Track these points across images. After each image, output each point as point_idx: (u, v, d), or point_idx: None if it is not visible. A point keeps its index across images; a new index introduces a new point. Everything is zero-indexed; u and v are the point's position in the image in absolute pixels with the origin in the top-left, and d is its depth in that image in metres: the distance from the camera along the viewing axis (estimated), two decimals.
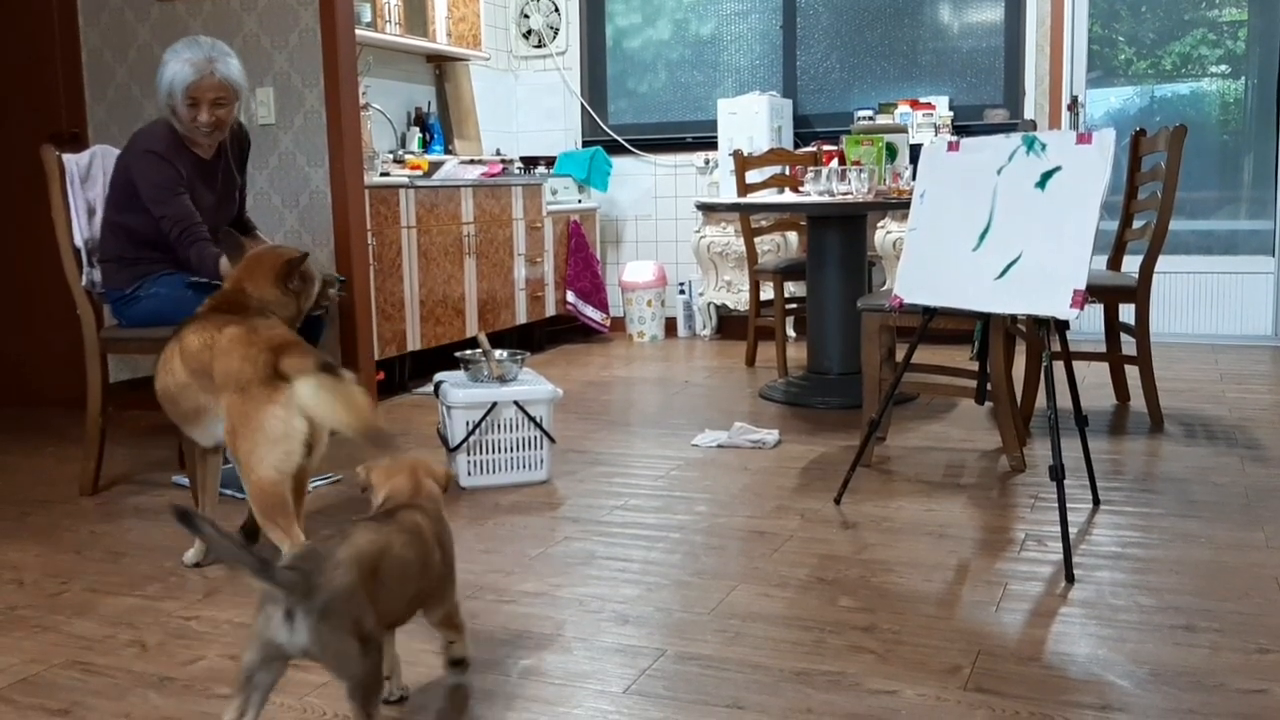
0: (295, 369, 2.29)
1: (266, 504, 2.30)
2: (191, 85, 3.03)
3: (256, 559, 1.53)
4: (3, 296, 4.68)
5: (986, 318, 3.18)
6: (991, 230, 2.69)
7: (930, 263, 2.80)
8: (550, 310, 5.96)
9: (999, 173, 2.69)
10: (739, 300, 5.96)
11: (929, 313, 2.88)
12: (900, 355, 3.51)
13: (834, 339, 4.37)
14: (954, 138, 2.90)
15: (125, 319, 3.23)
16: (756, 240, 5.44)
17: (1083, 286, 2.46)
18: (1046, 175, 2.59)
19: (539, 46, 6.67)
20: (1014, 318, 3.39)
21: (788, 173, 5.23)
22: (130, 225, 3.13)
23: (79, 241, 3.23)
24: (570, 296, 6.07)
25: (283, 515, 2.30)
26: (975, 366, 3.25)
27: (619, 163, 6.49)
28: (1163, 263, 3.92)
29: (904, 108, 5.78)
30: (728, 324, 6.26)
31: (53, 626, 2.28)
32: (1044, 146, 2.62)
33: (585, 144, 6.60)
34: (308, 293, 2.71)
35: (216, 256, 3.03)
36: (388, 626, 1.74)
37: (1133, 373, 4.05)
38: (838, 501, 2.98)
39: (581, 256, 6.11)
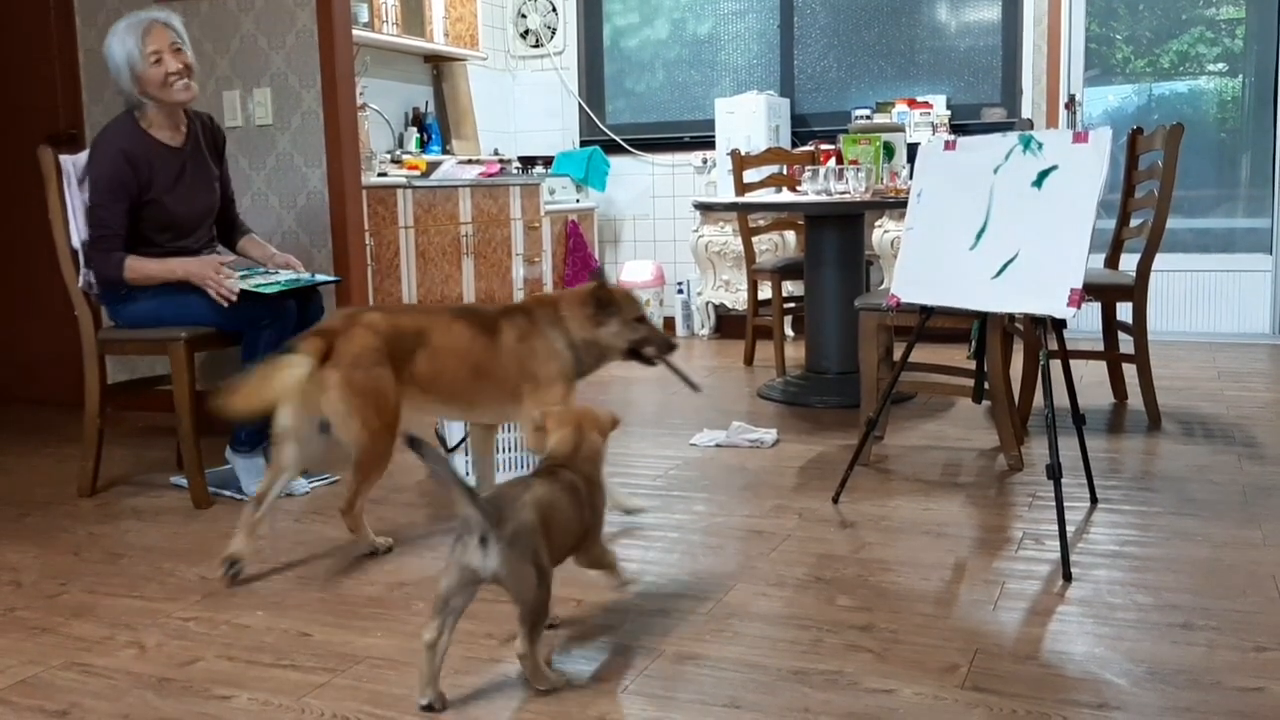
0: None
1: None
2: (145, 39, 3.10)
3: (468, 488, 1.80)
4: (1, 297, 4.68)
5: (984, 317, 3.18)
6: (988, 229, 2.69)
7: (928, 262, 2.80)
8: None
9: (996, 172, 2.69)
10: (737, 299, 5.96)
11: (926, 312, 2.89)
12: (898, 354, 3.51)
13: (832, 338, 4.37)
14: (951, 137, 2.90)
15: (122, 319, 3.23)
16: (754, 239, 5.44)
17: (1079, 285, 2.47)
18: (1043, 174, 2.59)
19: (536, 46, 6.67)
20: (1011, 316, 3.39)
21: (785, 172, 5.23)
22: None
23: (76, 242, 3.22)
24: None
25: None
26: (972, 365, 3.25)
27: (617, 162, 6.49)
28: (1160, 261, 3.92)
29: (901, 107, 5.78)
30: (726, 323, 6.26)
31: (51, 628, 2.28)
32: (1040, 145, 2.62)
33: (583, 144, 6.60)
34: (608, 325, 2.69)
35: (121, 260, 3.10)
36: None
37: (1130, 371, 4.05)
38: (836, 500, 2.98)
39: (580, 256, 6.11)
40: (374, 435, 2.55)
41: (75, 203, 3.24)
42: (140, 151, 3.15)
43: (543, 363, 2.65)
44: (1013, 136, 2.69)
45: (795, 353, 5.36)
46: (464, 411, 2.76)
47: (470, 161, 5.55)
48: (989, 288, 2.66)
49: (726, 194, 5.75)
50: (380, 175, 4.77)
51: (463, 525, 1.81)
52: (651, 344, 2.74)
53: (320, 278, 3.29)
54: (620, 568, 2.25)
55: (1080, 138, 2.54)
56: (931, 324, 2.96)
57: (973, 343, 3.27)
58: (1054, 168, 2.58)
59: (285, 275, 3.24)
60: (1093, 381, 4.49)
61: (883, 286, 5.33)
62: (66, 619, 2.33)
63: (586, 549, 2.10)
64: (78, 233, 3.23)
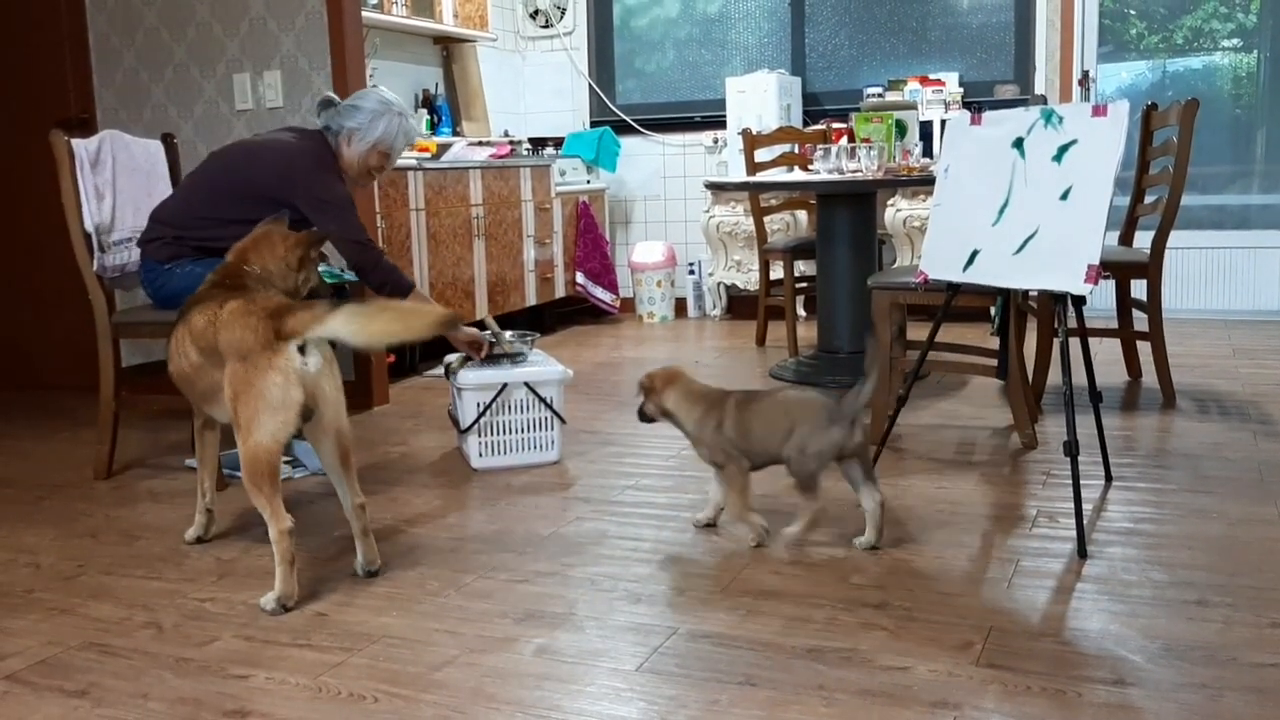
0: (303, 324, 2.23)
1: (257, 470, 2.23)
2: (393, 150, 3.24)
3: (875, 385, 2.45)
4: (15, 281, 4.70)
5: (1006, 293, 3.16)
6: (1010, 204, 2.68)
7: (954, 238, 2.79)
8: (560, 292, 5.96)
9: (1018, 146, 2.68)
10: (749, 280, 5.94)
11: (953, 289, 2.88)
12: (911, 334, 3.50)
13: (844, 318, 4.36)
14: (977, 111, 2.89)
15: (157, 294, 3.15)
16: (766, 219, 5.42)
17: (1097, 261, 2.45)
18: (1063, 149, 2.57)
19: (546, 26, 6.64)
20: (1025, 294, 3.38)
21: (797, 151, 5.21)
22: (224, 216, 3.06)
23: (89, 226, 3.23)
24: (580, 278, 6.07)
25: (269, 484, 2.23)
26: (990, 343, 3.24)
27: (627, 143, 6.47)
28: (1175, 238, 3.90)
29: (913, 84, 5.74)
30: (738, 304, 6.25)
31: (69, 609, 2.30)
32: (1060, 120, 2.60)
33: (593, 124, 6.58)
34: (309, 274, 2.65)
35: (411, 285, 3.27)
36: None
37: (1145, 348, 4.04)
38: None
39: (590, 237, 6.10)
40: None
41: (87, 187, 3.25)
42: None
43: None
44: (1035, 110, 2.67)
45: (807, 333, 5.35)
46: None
47: (481, 143, 5.54)
48: (1010, 264, 2.64)
49: (738, 174, 5.74)
50: None
51: (832, 419, 2.41)
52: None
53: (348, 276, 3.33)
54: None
55: (1099, 111, 2.52)
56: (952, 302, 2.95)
57: (995, 319, 3.26)
58: (1073, 142, 2.56)
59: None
60: (1107, 359, 4.47)
61: (895, 265, 5.31)
62: (84, 600, 2.34)
63: None
64: (90, 217, 3.23)
